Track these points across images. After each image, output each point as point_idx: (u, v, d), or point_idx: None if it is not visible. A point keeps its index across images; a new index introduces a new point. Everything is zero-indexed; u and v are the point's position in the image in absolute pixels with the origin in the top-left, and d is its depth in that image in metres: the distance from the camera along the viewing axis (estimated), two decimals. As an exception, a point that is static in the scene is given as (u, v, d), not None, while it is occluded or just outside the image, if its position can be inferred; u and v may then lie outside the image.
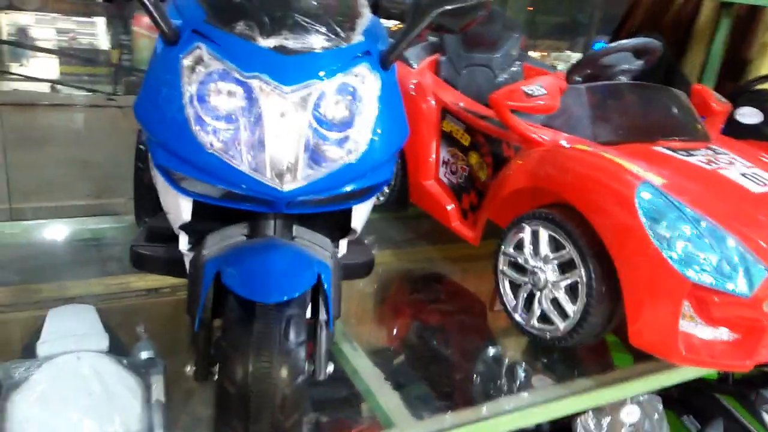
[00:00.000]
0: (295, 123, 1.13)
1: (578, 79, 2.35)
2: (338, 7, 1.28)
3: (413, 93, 2.64)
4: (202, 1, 1.23)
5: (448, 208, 2.50)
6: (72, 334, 1.65)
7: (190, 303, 1.30)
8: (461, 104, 2.51)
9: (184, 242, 1.47)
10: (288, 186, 1.15)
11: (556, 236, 1.96)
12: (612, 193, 1.82)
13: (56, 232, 2.58)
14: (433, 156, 2.59)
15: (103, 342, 1.65)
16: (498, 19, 2.99)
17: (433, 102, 2.59)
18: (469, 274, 2.67)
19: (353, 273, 1.91)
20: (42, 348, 1.59)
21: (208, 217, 1.40)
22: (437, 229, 2.64)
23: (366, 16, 1.33)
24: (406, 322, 2.35)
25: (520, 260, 2.08)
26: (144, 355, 1.88)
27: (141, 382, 1.58)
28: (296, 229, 1.38)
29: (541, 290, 2.03)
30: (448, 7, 1.28)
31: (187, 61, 1.15)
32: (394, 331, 2.28)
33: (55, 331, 1.66)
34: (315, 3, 1.24)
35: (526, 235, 2.06)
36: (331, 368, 1.38)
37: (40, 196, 3.09)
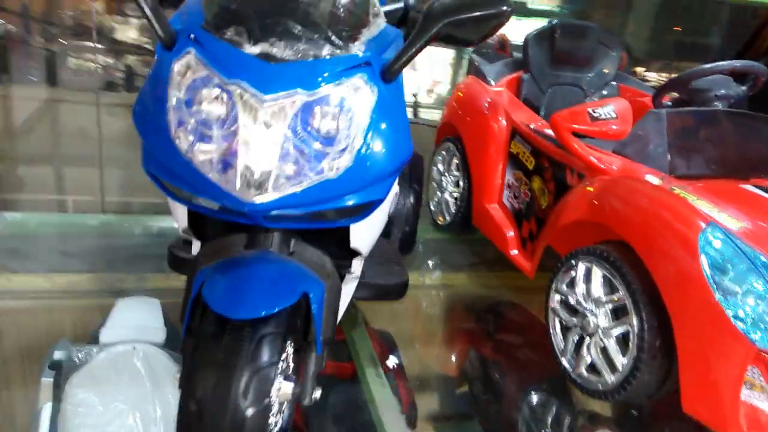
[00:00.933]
0: (272, 133, 1.08)
1: (667, 103, 2.11)
2: (342, 16, 1.20)
3: (486, 112, 2.50)
4: (205, 7, 1.22)
5: (508, 235, 2.34)
6: (133, 325, 1.75)
7: (181, 310, 1.29)
8: (531, 125, 2.34)
9: (196, 248, 1.47)
10: (258, 199, 1.09)
11: (611, 277, 1.75)
12: (672, 233, 1.59)
13: (143, 226, 2.74)
14: (499, 178, 2.43)
15: (160, 335, 1.73)
16: (591, 33, 2.77)
17: (503, 122, 2.44)
18: (525, 307, 2.48)
19: (383, 294, 1.83)
20: (104, 335, 1.69)
21: (217, 225, 1.39)
22: (501, 254, 2.48)
23: (376, 26, 1.25)
24: (446, 353, 2.22)
25: (572, 300, 1.89)
26: None
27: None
28: (295, 245, 1.33)
29: (590, 336, 1.82)
30: (461, 16, 1.17)
31: (177, 66, 1.14)
32: (432, 362, 2.16)
33: (119, 321, 1.76)
34: (316, 11, 1.18)
35: (579, 272, 1.86)
36: (318, 393, 1.31)
37: (131, 192, 3.29)
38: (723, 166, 1.91)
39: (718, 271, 1.50)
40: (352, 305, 1.72)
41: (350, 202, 1.17)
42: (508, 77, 2.67)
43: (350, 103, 1.13)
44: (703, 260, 1.51)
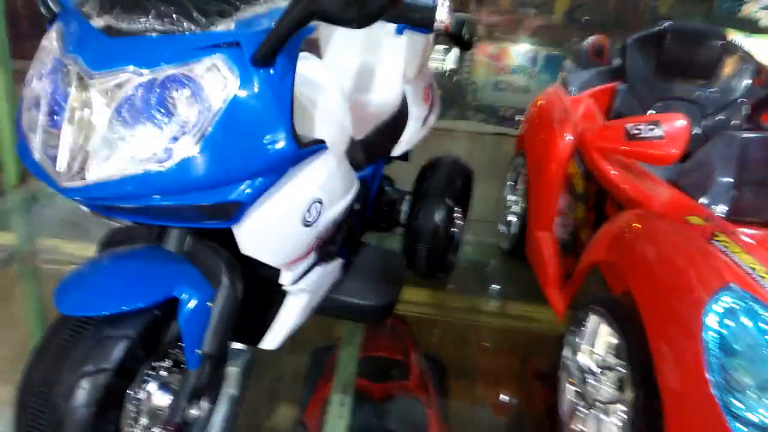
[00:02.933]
0: (96, 114, 0.98)
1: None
2: None
3: (552, 125, 2.16)
4: None
5: (549, 269, 1.98)
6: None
7: None
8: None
9: None
10: (67, 183, 1.01)
11: (615, 337, 1.37)
12: (676, 292, 1.19)
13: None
14: (554, 203, 2.07)
15: None
16: (714, 39, 2.25)
17: (568, 137, 2.07)
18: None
19: (353, 315, 1.67)
20: None
21: None
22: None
23: (267, 6, 1.09)
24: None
25: (579, 357, 1.53)
26: (237, 345, 1.99)
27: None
28: (191, 244, 1.22)
29: (589, 406, 1.45)
30: None
31: (43, 42, 1.10)
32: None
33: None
34: None
35: (589, 324, 1.50)
36: (195, 412, 1.22)
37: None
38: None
39: (723, 353, 1.08)
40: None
41: (194, 201, 1.03)
42: (597, 88, 2.27)
43: (196, 87, 0.99)
44: (707, 335, 1.10)
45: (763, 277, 1.17)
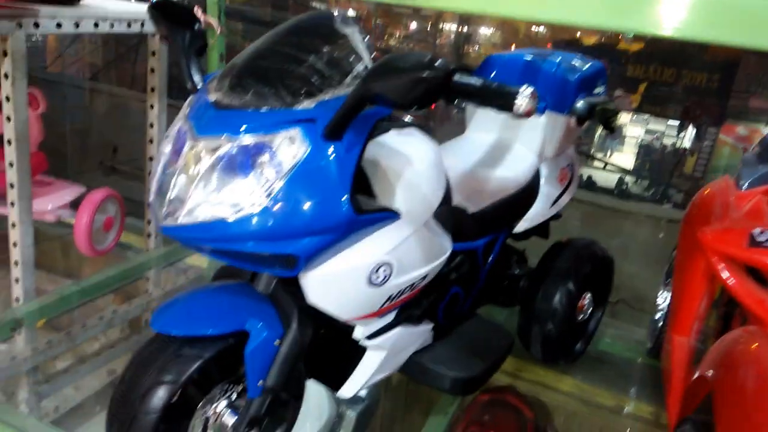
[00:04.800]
0: (193, 169, 1.20)
1: None
2: (307, 75, 1.23)
3: (710, 220, 1.95)
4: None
5: (674, 377, 1.77)
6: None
7: None
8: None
9: None
10: (164, 223, 1.23)
11: None
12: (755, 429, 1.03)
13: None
14: (696, 305, 1.85)
15: None
16: None
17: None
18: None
19: (437, 381, 1.71)
20: None
21: None
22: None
23: (346, 88, 1.23)
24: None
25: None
26: (361, 393, 2.20)
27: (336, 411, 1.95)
28: (274, 287, 1.40)
29: None
30: (387, 75, 1.07)
31: (181, 111, 1.34)
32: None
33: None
34: (288, 67, 1.25)
35: None
36: None
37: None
38: None
39: None
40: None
41: (257, 249, 1.20)
42: (775, 184, 1.99)
43: (272, 154, 1.18)
44: None
45: None
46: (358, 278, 1.32)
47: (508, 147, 1.98)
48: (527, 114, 1.17)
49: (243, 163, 1.19)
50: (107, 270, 2.64)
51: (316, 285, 1.31)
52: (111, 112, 4.53)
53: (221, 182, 1.19)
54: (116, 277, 2.60)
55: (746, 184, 2.02)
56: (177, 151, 1.26)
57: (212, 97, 1.28)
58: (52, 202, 2.80)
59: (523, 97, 1.09)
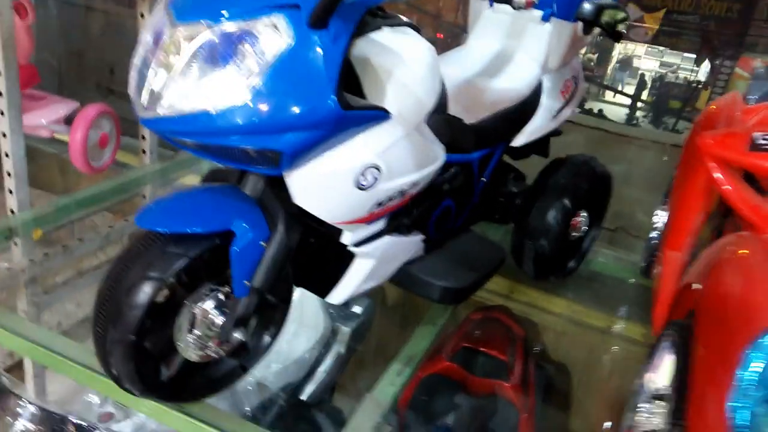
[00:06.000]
0: (172, 57, 1.15)
1: None
2: None
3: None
4: None
5: (663, 289, 1.76)
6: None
7: None
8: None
9: None
10: (143, 114, 1.19)
11: (674, 364, 1.22)
12: (728, 321, 1.03)
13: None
14: (692, 220, 1.82)
15: None
16: None
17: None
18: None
19: (426, 291, 1.72)
20: None
21: None
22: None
23: None
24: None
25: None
26: (356, 310, 2.20)
27: (330, 326, 1.96)
28: (263, 191, 1.37)
29: (640, 438, 1.31)
30: None
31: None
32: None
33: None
34: None
35: (660, 349, 1.34)
36: (239, 336, 1.36)
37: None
38: None
39: (753, 396, 0.92)
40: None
41: (240, 144, 1.17)
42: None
43: (254, 41, 1.13)
44: (743, 373, 0.95)
45: None
46: (346, 180, 1.29)
47: (510, 57, 1.92)
48: (528, 4, 1.10)
49: (224, 51, 1.14)
50: (102, 183, 2.62)
51: (302, 185, 1.29)
52: (107, 31, 4.41)
53: (202, 72, 1.15)
54: (111, 190, 2.58)
55: (754, 99, 1.97)
56: (157, 40, 1.21)
57: None
58: (45, 116, 2.76)
59: None
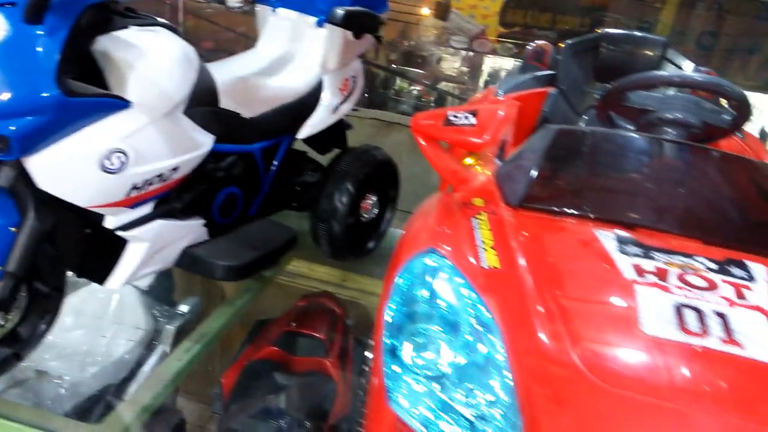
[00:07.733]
0: None
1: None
2: None
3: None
4: None
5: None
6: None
7: None
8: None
9: None
10: None
11: None
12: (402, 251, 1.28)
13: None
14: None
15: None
16: (653, 47, 2.19)
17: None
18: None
19: (206, 270, 1.85)
20: None
21: None
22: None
23: None
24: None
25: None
26: (182, 309, 2.24)
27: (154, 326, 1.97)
28: (9, 176, 1.37)
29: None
30: None
31: None
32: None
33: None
34: None
35: None
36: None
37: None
38: (596, 204, 1.39)
39: (399, 303, 1.16)
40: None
41: None
42: (526, 91, 2.28)
43: None
44: (396, 283, 1.20)
45: (486, 250, 1.22)
46: (89, 164, 1.37)
47: (291, 58, 2.11)
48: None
49: None
50: None
51: (43, 169, 1.34)
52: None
53: None
54: None
55: (502, 93, 2.31)
56: None
57: None
58: None
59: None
